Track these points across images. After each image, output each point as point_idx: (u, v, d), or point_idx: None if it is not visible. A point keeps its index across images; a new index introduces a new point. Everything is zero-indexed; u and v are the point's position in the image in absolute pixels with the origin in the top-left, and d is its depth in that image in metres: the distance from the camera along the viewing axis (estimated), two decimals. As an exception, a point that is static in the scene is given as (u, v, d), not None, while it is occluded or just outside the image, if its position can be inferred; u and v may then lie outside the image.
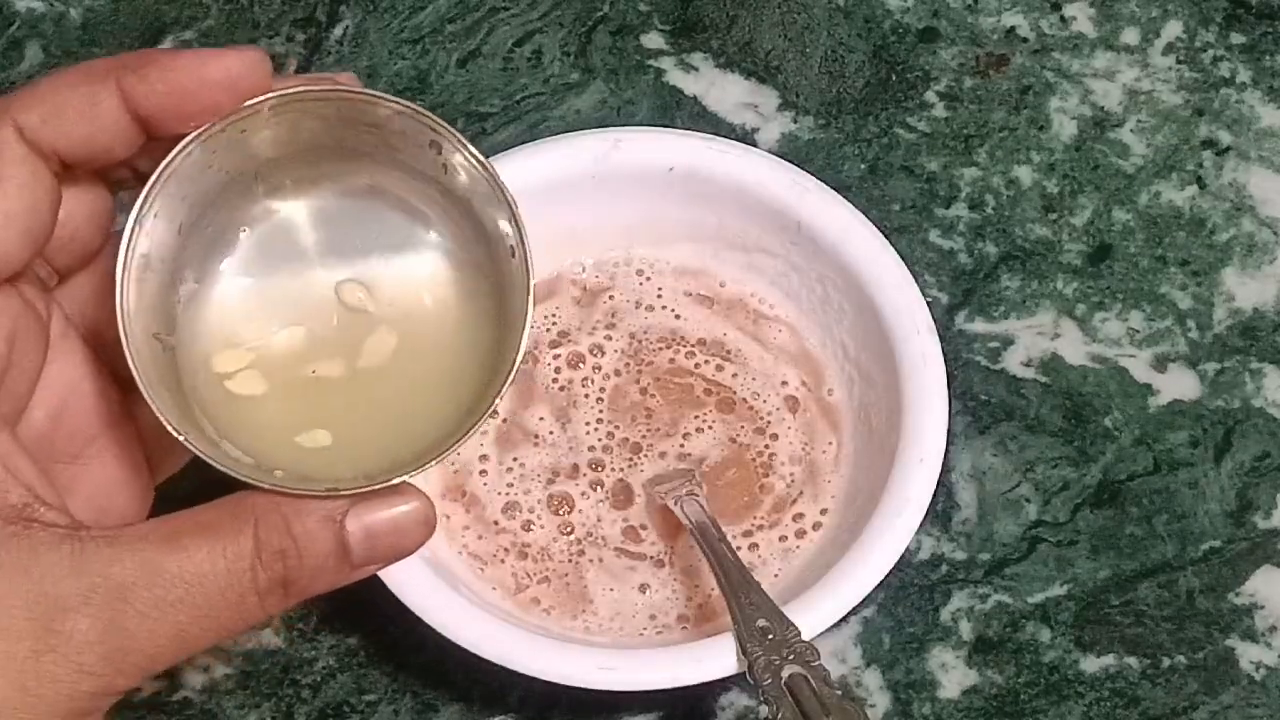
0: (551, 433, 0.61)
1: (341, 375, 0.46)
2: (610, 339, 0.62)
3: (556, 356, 0.62)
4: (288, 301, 0.46)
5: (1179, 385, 0.63)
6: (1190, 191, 0.66)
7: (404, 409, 0.46)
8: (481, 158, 0.45)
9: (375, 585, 0.55)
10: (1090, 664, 0.59)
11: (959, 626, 0.60)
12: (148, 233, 0.44)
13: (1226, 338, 0.64)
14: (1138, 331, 0.64)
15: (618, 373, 0.62)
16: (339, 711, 0.58)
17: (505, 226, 0.45)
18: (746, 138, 0.67)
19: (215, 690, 0.58)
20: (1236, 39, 0.69)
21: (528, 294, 0.45)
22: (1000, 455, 0.62)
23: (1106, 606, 0.60)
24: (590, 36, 0.69)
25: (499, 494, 0.60)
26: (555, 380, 0.61)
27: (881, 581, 0.55)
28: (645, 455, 0.60)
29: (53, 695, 0.40)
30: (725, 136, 0.64)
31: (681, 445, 0.61)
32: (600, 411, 0.61)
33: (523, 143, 0.62)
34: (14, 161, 0.42)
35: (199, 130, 0.43)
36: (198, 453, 0.42)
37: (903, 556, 0.56)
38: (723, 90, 0.68)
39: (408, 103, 0.45)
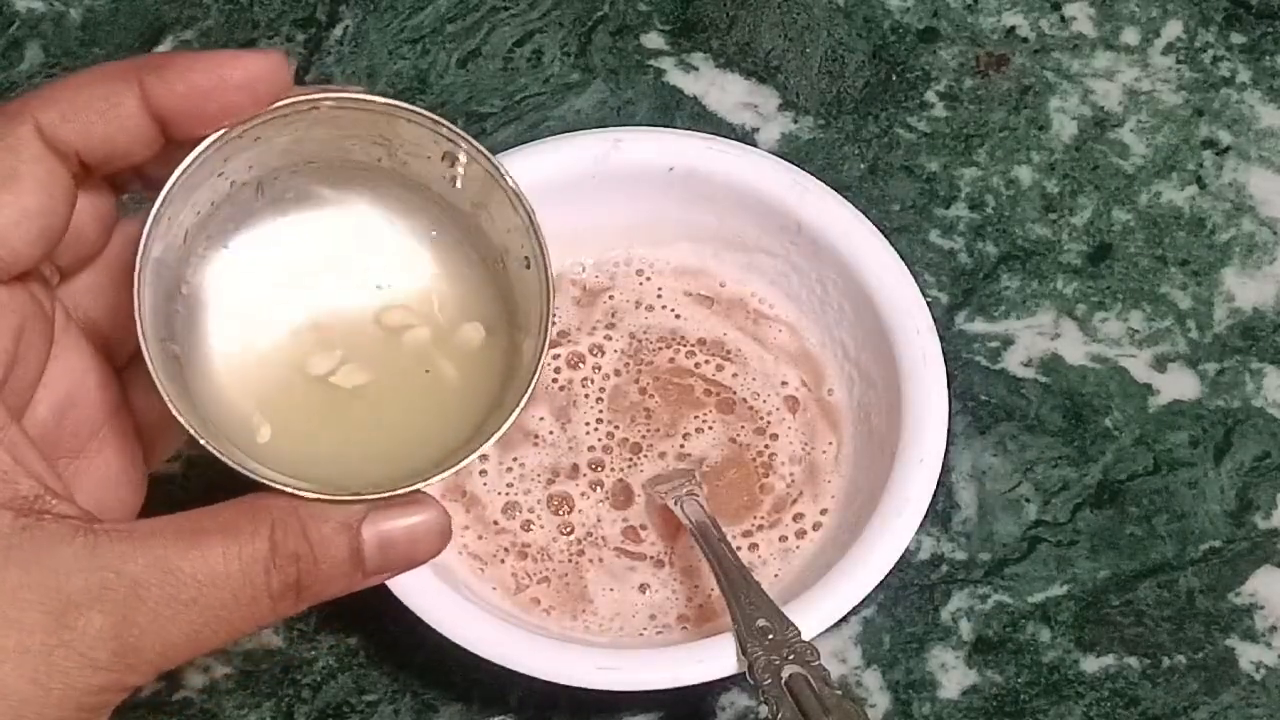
0: (551, 433, 0.61)
1: (356, 385, 0.46)
2: (610, 339, 0.62)
3: (556, 356, 0.62)
4: (288, 313, 0.46)
5: (1179, 385, 0.63)
6: (1190, 191, 0.66)
7: (418, 420, 0.46)
8: (501, 166, 0.45)
9: (376, 585, 0.55)
10: (1090, 664, 0.59)
11: (959, 626, 0.60)
12: (160, 237, 0.43)
13: (1226, 338, 0.64)
14: (1138, 331, 0.64)
15: (617, 373, 0.62)
16: (339, 711, 0.58)
17: (519, 237, 0.45)
18: (746, 138, 0.67)
19: (215, 690, 0.58)
20: (1236, 39, 0.69)
21: (547, 302, 0.45)
22: (1000, 455, 0.62)
23: (1106, 606, 0.60)
24: (590, 36, 0.69)
25: (499, 494, 0.60)
26: (555, 380, 0.61)
27: (881, 581, 0.55)
28: (645, 455, 0.60)
29: (64, 688, 0.40)
30: (725, 136, 0.64)
31: (681, 445, 0.61)
32: (600, 411, 0.61)
33: (523, 143, 0.62)
34: (32, 159, 0.42)
35: (217, 135, 0.43)
36: (222, 458, 0.42)
37: (903, 556, 0.56)
38: (723, 90, 0.68)
39: (426, 111, 0.45)
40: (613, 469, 0.60)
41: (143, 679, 0.42)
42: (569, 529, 0.59)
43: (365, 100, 0.44)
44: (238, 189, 0.45)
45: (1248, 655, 0.59)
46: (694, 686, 0.54)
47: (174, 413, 0.42)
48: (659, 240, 0.63)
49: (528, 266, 0.45)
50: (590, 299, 0.63)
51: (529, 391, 0.44)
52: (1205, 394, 0.63)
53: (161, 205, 0.43)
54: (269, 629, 0.59)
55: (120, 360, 0.47)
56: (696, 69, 0.68)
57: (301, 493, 0.43)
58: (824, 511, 0.60)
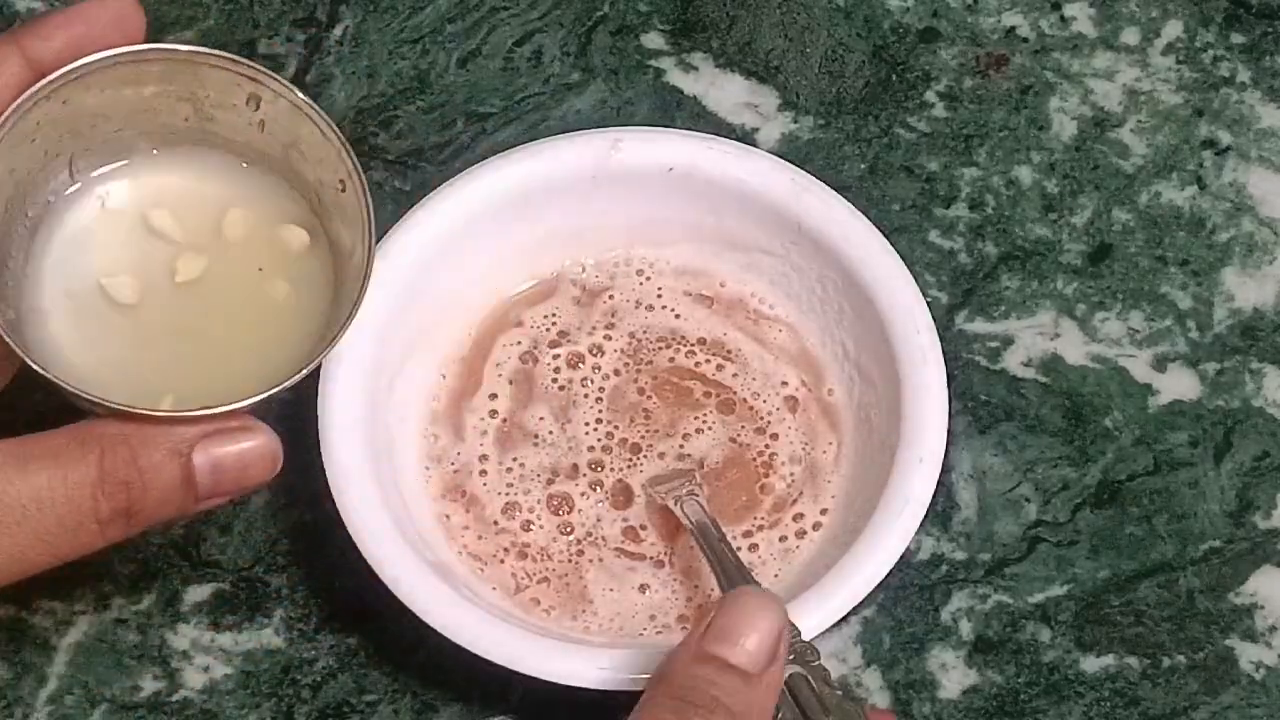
0: (551, 433, 0.61)
1: (190, 280, 0.48)
2: (610, 339, 0.62)
3: (556, 356, 0.62)
4: (114, 265, 0.48)
5: (1179, 385, 0.63)
6: (1190, 191, 0.66)
7: (249, 334, 0.48)
8: (306, 99, 0.47)
9: (375, 585, 0.55)
10: (1090, 664, 0.59)
11: (959, 626, 0.60)
12: None
13: (1226, 338, 0.64)
14: (1138, 331, 0.64)
15: (617, 373, 0.62)
16: (339, 711, 0.58)
17: (333, 164, 0.47)
18: (746, 138, 0.67)
19: (215, 690, 0.58)
20: (1236, 39, 0.69)
21: (366, 210, 0.47)
22: (1000, 455, 0.62)
23: (1106, 606, 0.60)
24: (590, 36, 0.69)
25: (499, 494, 0.60)
26: (555, 380, 0.61)
27: (881, 582, 0.55)
28: (645, 455, 0.60)
29: None
30: (725, 136, 0.64)
31: (681, 445, 0.61)
32: (600, 412, 0.61)
33: (523, 143, 0.62)
34: None
35: (24, 98, 0.45)
36: (53, 379, 0.44)
37: (903, 556, 0.56)
38: (723, 90, 0.68)
39: (224, 54, 0.47)
40: (612, 469, 0.60)
41: None
42: (569, 529, 0.59)
43: (166, 50, 0.47)
44: (50, 160, 0.47)
45: (1248, 655, 0.59)
46: (694, 686, 0.54)
47: (8, 339, 0.44)
48: (659, 240, 0.63)
49: (343, 190, 0.47)
50: (590, 299, 0.63)
51: (354, 311, 0.46)
52: (1205, 394, 0.63)
53: None
54: (268, 629, 0.59)
55: None
56: (696, 69, 0.68)
57: (126, 408, 0.44)
58: (824, 511, 0.60)
